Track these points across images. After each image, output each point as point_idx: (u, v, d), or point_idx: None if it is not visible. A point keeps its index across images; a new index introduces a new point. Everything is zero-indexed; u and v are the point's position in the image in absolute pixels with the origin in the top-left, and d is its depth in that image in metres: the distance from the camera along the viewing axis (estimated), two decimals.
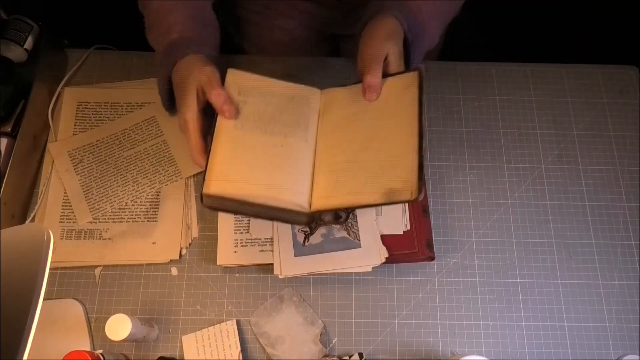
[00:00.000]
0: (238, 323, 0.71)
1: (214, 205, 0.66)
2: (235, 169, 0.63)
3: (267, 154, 0.65)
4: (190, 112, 0.65)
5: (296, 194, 0.63)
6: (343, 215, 0.73)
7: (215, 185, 0.61)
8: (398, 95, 0.66)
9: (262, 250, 0.73)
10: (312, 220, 0.69)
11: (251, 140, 0.65)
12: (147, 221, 0.76)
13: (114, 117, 0.82)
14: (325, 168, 0.66)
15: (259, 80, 0.70)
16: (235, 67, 0.70)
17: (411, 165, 0.61)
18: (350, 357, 0.69)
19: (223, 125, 0.65)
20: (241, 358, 0.69)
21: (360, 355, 0.69)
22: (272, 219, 0.68)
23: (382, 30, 0.67)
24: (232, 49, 1.00)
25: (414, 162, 0.61)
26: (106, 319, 0.63)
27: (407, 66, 0.70)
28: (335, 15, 0.89)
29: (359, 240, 0.71)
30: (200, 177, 0.73)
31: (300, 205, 0.63)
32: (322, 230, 0.73)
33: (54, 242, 0.44)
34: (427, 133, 0.71)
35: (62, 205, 0.77)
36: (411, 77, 0.66)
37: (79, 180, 0.78)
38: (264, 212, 0.64)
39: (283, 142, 0.66)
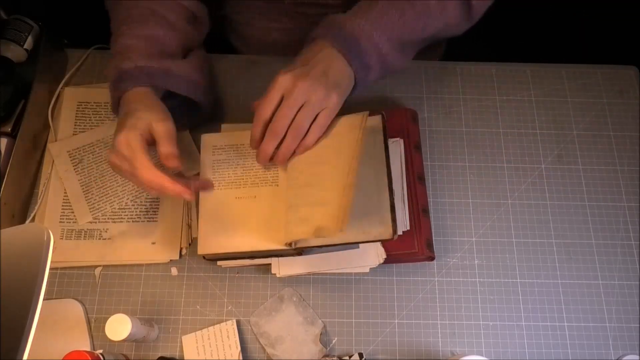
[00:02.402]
0: (238, 323, 0.71)
1: (214, 258, 0.73)
2: (218, 228, 0.70)
3: (244, 208, 0.71)
4: (134, 132, 0.62)
5: (273, 240, 0.69)
6: None
7: (204, 247, 0.70)
8: (345, 135, 0.69)
9: None
10: (302, 251, 0.71)
11: (228, 198, 0.72)
12: (147, 221, 0.76)
13: (114, 117, 0.82)
14: (301, 205, 0.68)
15: (230, 137, 0.76)
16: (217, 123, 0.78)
17: (382, 206, 0.65)
18: (350, 357, 0.69)
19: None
20: (241, 358, 0.69)
21: (360, 355, 0.69)
22: (267, 257, 0.72)
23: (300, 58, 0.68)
24: (229, 49, 1.00)
25: (385, 204, 0.65)
26: (106, 319, 0.63)
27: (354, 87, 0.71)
28: None
29: None
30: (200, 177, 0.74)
31: (280, 246, 0.68)
32: None
33: (54, 242, 0.44)
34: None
35: (62, 205, 0.77)
36: (375, 123, 0.70)
37: (79, 180, 0.78)
38: (257, 254, 0.71)
39: (256, 193, 0.72)
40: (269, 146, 0.67)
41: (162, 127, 0.64)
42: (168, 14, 0.74)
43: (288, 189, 0.70)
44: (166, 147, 0.64)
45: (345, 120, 0.71)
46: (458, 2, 0.72)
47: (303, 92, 0.63)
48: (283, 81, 0.64)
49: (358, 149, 0.66)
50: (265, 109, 0.65)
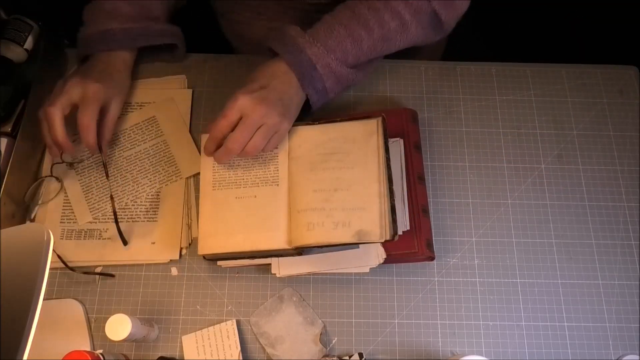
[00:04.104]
0: (238, 323, 0.71)
1: (214, 259, 0.73)
2: (218, 228, 0.71)
3: (244, 207, 0.71)
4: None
5: (273, 239, 0.69)
6: None
7: (205, 247, 0.70)
8: (362, 142, 0.72)
9: None
10: (302, 251, 0.71)
11: (228, 198, 0.72)
12: (147, 221, 0.76)
13: None
14: (300, 207, 0.70)
15: None
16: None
17: (379, 209, 0.67)
18: (350, 357, 0.69)
19: (203, 188, 0.73)
20: (241, 358, 0.69)
21: (360, 355, 0.69)
22: (267, 257, 0.72)
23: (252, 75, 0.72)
24: (228, 49, 1.00)
25: (382, 206, 0.68)
26: (106, 319, 0.63)
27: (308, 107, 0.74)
28: None
29: None
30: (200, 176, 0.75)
31: (281, 246, 0.69)
32: None
33: (54, 242, 0.44)
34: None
35: (63, 206, 0.77)
36: (374, 124, 0.72)
37: (79, 180, 0.78)
38: (257, 254, 0.71)
39: (257, 193, 0.72)
40: (223, 159, 0.71)
41: (116, 110, 0.76)
42: None
43: (307, 192, 0.70)
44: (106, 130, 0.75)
45: (360, 126, 0.73)
46: (424, 20, 0.74)
47: (261, 116, 0.68)
48: (243, 103, 0.68)
49: (382, 155, 0.70)
50: (224, 127, 0.69)
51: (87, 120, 0.71)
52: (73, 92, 0.71)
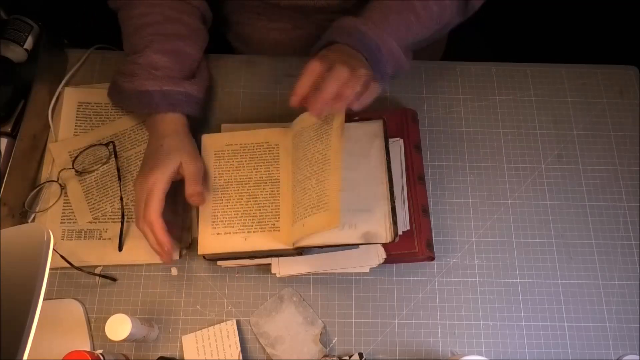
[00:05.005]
0: (238, 323, 0.71)
1: (214, 259, 0.73)
2: (217, 228, 0.71)
3: (243, 207, 0.71)
4: (160, 187, 0.67)
5: (274, 240, 0.69)
6: None
7: (204, 247, 0.70)
8: (365, 143, 0.72)
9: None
10: (302, 251, 0.71)
11: (228, 197, 0.72)
12: None
13: (115, 118, 0.82)
14: (304, 205, 0.69)
15: (230, 137, 0.76)
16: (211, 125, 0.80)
17: (383, 211, 0.67)
18: (350, 357, 0.69)
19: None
20: (241, 358, 0.69)
21: (360, 355, 0.69)
22: (267, 257, 0.72)
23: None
24: (228, 49, 1.00)
25: (384, 208, 0.67)
26: (106, 319, 0.63)
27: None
28: (328, 23, 0.89)
29: None
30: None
31: (281, 246, 0.69)
32: None
33: (55, 243, 0.44)
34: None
35: (63, 206, 0.77)
36: (376, 127, 0.72)
37: (79, 180, 0.78)
38: (257, 254, 0.71)
39: (258, 192, 0.72)
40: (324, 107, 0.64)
41: (192, 168, 0.70)
42: (182, 16, 0.76)
43: (310, 191, 0.70)
44: (192, 188, 0.69)
45: (363, 128, 0.73)
46: (455, 3, 0.74)
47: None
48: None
49: (383, 158, 0.70)
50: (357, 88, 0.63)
51: (152, 217, 0.66)
52: (140, 195, 0.68)
